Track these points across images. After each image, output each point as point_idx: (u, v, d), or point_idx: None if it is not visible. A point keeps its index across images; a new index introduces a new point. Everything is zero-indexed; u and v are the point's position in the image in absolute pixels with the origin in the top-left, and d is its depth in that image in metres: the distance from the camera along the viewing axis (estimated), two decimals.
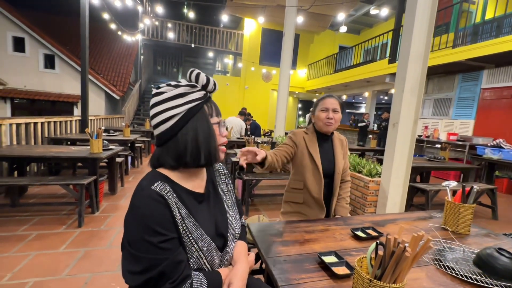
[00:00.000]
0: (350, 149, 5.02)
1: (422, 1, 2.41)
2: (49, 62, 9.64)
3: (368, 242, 1.07)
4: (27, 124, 3.49)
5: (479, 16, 5.53)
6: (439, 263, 0.91)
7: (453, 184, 1.39)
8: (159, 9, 7.52)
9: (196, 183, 0.75)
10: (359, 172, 3.00)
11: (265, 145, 3.20)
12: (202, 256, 0.68)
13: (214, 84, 0.73)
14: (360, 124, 8.29)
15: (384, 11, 6.04)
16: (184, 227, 0.66)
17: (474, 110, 5.58)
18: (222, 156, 0.75)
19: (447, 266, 0.88)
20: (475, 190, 1.19)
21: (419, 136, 6.25)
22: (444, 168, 3.73)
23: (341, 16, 6.02)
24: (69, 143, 4.02)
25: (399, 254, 0.54)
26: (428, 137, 6.08)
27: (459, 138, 5.46)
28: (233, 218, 0.82)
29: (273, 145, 5.30)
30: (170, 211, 0.64)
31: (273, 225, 1.20)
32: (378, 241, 0.61)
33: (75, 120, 4.72)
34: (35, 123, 3.64)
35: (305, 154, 1.43)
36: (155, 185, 0.65)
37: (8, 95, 9.03)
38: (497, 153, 4.52)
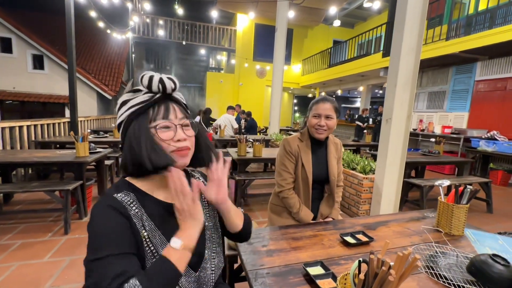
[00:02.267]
0: (345, 145, 4.98)
1: None
2: (38, 63, 9.43)
3: (357, 249, 1.02)
4: (11, 128, 3.38)
5: (472, 7, 5.48)
6: (431, 271, 0.86)
7: (446, 183, 1.34)
8: (150, 6, 7.36)
9: (168, 193, 0.69)
10: (353, 169, 2.95)
11: (257, 143, 3.14)
12: None
13: (161, 82, 0.62)
14: (358, 123, 8.11)
15: (377, 4, 5.95)
16: (149, 243, 0.60)
17: (468, 102, 5.56)
18: (181, 160, 0.64)
19: (440, 274, 0.84)
20: (468, 190, 1.15)
21: (414, 129, 6.23)
22: (439, 162, 3.71)
23: (333, 9, 5.94)
24: (58, 146, 3.92)
25: (382, 277, 0.48)
26: (423, 130, 6.06)
27: (454, 131, 5.45)
28: (212, 232, 0.76)
29: (267, 142, 5.24)
30: (130, 222, 0.59)
31: (259, 231, 1.15)
32: (361, 259, 0.55)
33: (64, 122, 4.61)
34: (20, 127, 3.53)
35: (298, 163, 1.39)
36: (118, 194, 0.61)
37: None
38: (491, 145, 4.51)
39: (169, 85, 0.63)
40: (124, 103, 0.64)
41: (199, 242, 0.70)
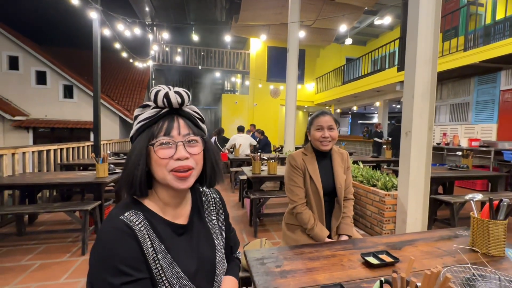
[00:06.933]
0: (364, 162, 4.79)
1: (425, 5, 2.33)
2: (68, 92, 10.24)
3: (381, 270, 0.92)
4: (40, 152, 3.60)
5: (489, 17, 5.35)
6: None
7: (478, 196, 1.22)
8: (168, 36, 7.87)
9: (177, 212, 0.66)
10: (374, 185, 2.81)
11: (272, 161, 3.09)
12: None
13: (166, 96, 0.59)
14: (376, 139, 7.58)
15: (388, 20, 5.98)
16: (158, 265, 0.57)
17: (496, 113, 5.24)
18: (179, 185, 0.60)
19: None
20: (505, 204, 1.03)
21: (438, 144, 5.91)
22: (468, 177, 3.45)
23: (344, 28, 6.03)
24: (81, 168, 4.09)
25: None
26: (447, 144, 5.73)
27: (482, 143, 5.11)
28: (223, 253, 0.73)
29: (282, 160, 5.17)
30: (139, 245, 0.55)
31: (273, 251, 1.08)
32: (382, 279, 0.49)
33: (88, 146, 4.85)
34: (48, 151, 3.74)
35: (306, 176, 1.39)
36: (126, 214, 0.57)
37: (31, 125, 9.57)
38: None
39: (174, 99, 0.60)
40: (135, 118, 0.63)
41: (209, 261, 0.68)
